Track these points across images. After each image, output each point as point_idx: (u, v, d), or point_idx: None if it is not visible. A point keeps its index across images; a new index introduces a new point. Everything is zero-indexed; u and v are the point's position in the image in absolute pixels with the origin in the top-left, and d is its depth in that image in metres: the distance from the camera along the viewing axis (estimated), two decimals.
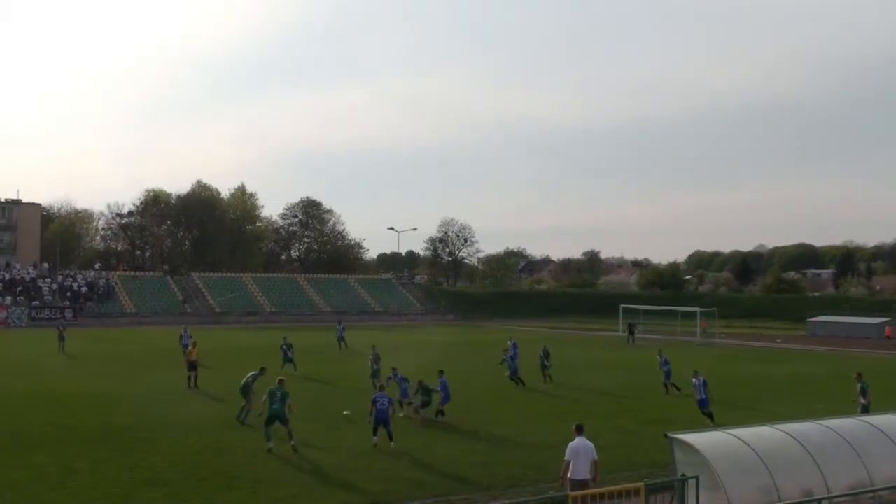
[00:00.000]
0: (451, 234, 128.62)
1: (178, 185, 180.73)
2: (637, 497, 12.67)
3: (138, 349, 47.49)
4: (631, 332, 59.36)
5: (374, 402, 20.49)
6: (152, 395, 28.92)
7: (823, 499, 13.29)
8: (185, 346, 38.09)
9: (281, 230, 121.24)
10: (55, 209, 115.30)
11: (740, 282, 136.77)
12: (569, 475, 13.77)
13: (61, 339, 45.27)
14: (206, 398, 28.39)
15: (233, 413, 24.06)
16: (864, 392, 23.64)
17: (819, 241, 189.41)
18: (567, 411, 25.54)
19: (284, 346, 37.53)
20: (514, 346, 38.42)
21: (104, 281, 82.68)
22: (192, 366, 30.87)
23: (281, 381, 20.63)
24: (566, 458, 13.88)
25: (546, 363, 34.98)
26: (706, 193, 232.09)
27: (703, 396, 24.44)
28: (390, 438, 20.19)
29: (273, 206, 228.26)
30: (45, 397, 27.89)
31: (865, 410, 22.37)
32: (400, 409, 24.33)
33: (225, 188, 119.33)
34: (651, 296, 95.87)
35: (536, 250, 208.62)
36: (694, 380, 24.97)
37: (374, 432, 20.30)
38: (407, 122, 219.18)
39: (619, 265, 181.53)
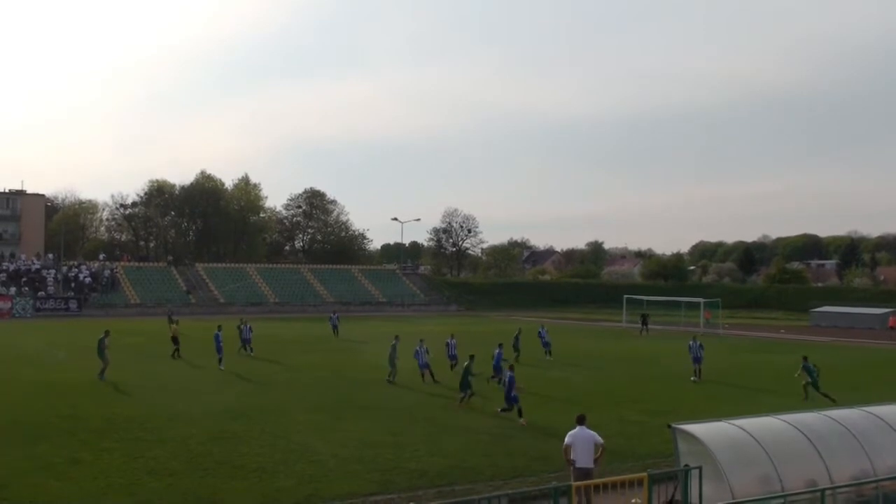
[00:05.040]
0: (454, 224, 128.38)
1: (181, 175, 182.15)
2: (640, 487, 12.69)
3: (142, 340, 47.60)
4: (644, 323, 58.41)
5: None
6: (156, 385, 29.02)
7: (826, 489, 13.27)
8: (247, 340, 39.55)
9: (285, 221, 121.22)
10: (59, 200, 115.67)
11: (744, 272, 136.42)
12: (571, 457, 13.84)
13: (171, 321, 47.19)
14: (209, 388, 28.46)
15: (238, 404, 24.06)
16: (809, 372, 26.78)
17: (823, 231, 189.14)
18: (571, 402, 25.57)
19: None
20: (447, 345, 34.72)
21: (108, 272, 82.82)
22: (175, 340, 37.72)
23: None
24: (566, 442, 13.99)
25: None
26: (710, 184, 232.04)
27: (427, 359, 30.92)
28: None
29: (277, 196, 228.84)
30: (49, 388, 27.92)
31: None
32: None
33: (229, 179, 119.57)
34: (655, 286, 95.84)
35: (540, 241, 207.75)
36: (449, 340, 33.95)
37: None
38: (410, 113, 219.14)
39: (623, 255, 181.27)
